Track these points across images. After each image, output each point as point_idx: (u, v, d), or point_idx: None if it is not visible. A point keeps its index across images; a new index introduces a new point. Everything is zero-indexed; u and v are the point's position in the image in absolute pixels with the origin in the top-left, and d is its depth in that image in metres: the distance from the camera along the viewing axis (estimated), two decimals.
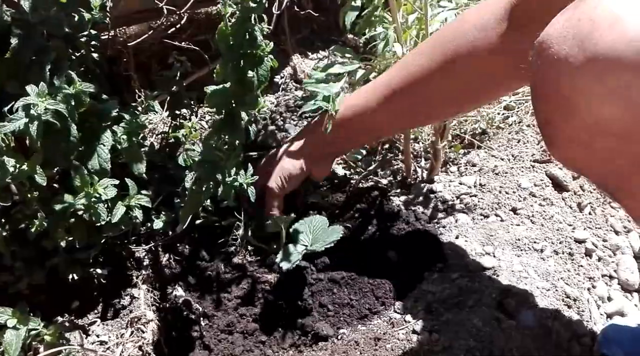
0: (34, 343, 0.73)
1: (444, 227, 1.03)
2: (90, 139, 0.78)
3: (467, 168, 1.15)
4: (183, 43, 1.13)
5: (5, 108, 0.72)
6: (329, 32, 1.48)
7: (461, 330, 0.83)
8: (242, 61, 0.74)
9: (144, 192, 0.82)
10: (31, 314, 0.73)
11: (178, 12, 1.09)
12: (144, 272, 0.89)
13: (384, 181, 1.15)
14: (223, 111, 0.80)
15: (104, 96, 0.86)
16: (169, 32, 1.19)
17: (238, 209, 0.95)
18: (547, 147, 0.60)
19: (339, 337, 0.88)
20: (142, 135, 1.04)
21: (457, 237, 1.00)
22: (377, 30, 0.95)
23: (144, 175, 0.83)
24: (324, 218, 0.95)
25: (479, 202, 1.05)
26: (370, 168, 1.15)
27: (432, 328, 0.86)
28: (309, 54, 1.42)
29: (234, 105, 0.78)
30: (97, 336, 0.80)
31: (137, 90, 1.00)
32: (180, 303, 0.90)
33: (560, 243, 0.98)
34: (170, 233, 0.93)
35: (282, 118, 1.25)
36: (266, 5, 0.71)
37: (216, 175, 0.80)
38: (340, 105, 0.92)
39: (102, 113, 0.80)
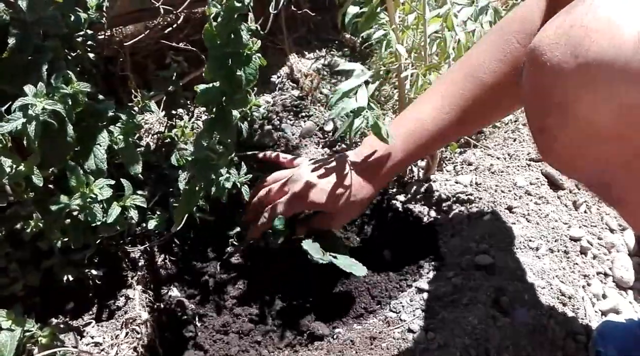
0: (28, 345, 0.73)
1: (440, 225, 1.03)
2: (87, 139, 0.78)
3: (463, 167, 1.15)
4: (180, 43, 1.13)
5: (3, 109, 0.72)
6: (326, 32, 1.48)
7: (457, 328, 0.84)
8: (229, 60, 0.74)
9: (139, 192, 0.82)
10: (25, 316, 0.73)
11: (174, 12, 1.08)
12: (139, 273, 0.89)
13: None
14: (214, 110, 0.79)
15: (100, 96, 0.86)
16: (166, 31, 1.18)
17: (234, 208, 0.95)
18: (542, 155, 0.60)
19: (335, 336, 0.88)
20: (137, 135, 1.04)
21: (452, 236, 1.00)
22: (375, 30, 0.95)
23: (139, 175, 0.83)
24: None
25: (475, 200, 1.05)
26: None
27: (427, 327, 0.86)
28: (306, 53, 1.42)
29: (224, 103, 0.78)
30: (92, 337, 0.80)
31: (133, 90, 0.99)
32: (175, 304, 0.90)
33: (555, 241, 0.98)
34: (166, 233, 0.93)
35: (278, 117, 1.25)
36: (250, 3, 0.71)
37: (209, 174, 0.80)
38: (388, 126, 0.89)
39: (99, 113, 0.80)
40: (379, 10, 0.93)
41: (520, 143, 1.18)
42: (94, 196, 0.74)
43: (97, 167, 0.77)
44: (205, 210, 0.94)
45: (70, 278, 0.82)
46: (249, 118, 0.90)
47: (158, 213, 0.90)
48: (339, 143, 1.20)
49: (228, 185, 0.82)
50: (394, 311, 0.90)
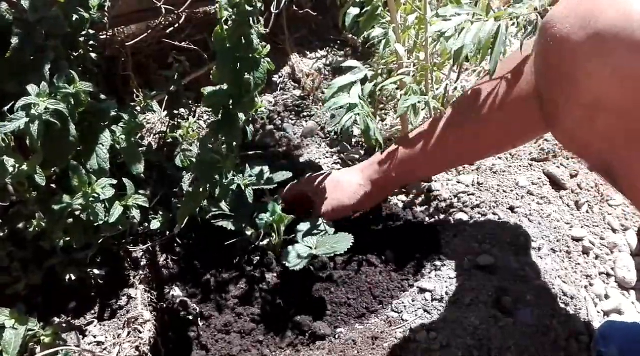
0: (30, 344, 0.73)
1: (442, 225, 1.03)
2: (89, 139, 0.78)
3: (465, 167, 1.15)
4: (182, 43, 1.13)
5: (5, 108, 0.72)
6: (328, 32, 1.48)
7: (459, 329, 0.84)
8: (238, 64, 0.74)
9: (141, 191, 0.82)
10: (28, 315, 0.73)
11: (176, 12, 1.09)
12: (141, 272, 0.89)
13: None
14: (220, 112, 0.80)
15: (103, 96, 0.86)
16: (168, 31, 1.19)
17: (235, 208, 0.95)
18: (550, 129, 0.61)
19: (337, 336, 0.88)
20: (140, 134, 1.04)
21: (455, 236, 1.00)
22: (376, 30, 0.95)
23: (141, 175, 0.83)
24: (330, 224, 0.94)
25: (476, 200, 1.05)
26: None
27: (429, 327, 0.86)
28: (308, 53, 1.42)
29: (231, 106, 0.78)
30: (94, 336, 0.80)
31: (135, 90, 0.99)
32: (178, 304, 0.90)
33: (557, 241, 0.98)
34: (168, 233, 0.93)
35: (280, 117, 1.25)
36: (262, 7, 0.71)
37: (214, 176, 0.80)
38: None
39: (101, 113, 0.80)
40: (380, 10, 0.93)
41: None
42: (96, 195, 0.74)
43: (99, 166, 0.77)
44: (206, 210, 0.95)
45: (73, 278, 0.83)
46: (251, 119, 0.90)
47: (161, 213, 0.90)
48: (340, 143, 1.20)
49: (233, 187, 0.83)
50: (396, 312, 0.90)
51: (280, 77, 1.34)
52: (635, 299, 0.97)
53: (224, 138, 0.79)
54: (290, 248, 0.89)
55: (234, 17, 0.70)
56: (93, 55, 0.88)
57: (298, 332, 0.89)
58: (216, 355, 0.87)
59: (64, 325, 0.81)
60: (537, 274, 0.92)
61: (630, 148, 0.52)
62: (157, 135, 1.11)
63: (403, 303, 0.91)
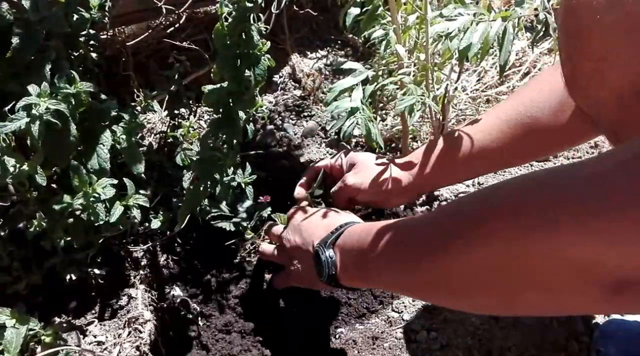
0: (31, 343, 0.73)
1: None
2: (90, 139, 0.78)
3: None
4: (182, 42, 1.13)
5: (6, 108, 0.72)
6: (328, 31, 1.47)
7: (459, 328, 0.84)
8: (238, 61, 0.74)
9: (141, 191, 0.82)
10: (29, 314, 0.73)
11: (177, 12, 1.08)
12: (141, 272, 0.89)
13: None
14: (220, 110, 0.80)
15: (103, 96, 0.86)
16: (168, 31, 1.18)
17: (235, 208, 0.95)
18: (567, 88, 0.61)
19: (337, 336, 0.88)
20: (140, 134, 1.04)
21: None
22: (377, 30, 0.94)
23: (142, 174, 0.83)
24: None
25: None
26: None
27: (430, 327, 0.86)
28: (308, 53, 1.42)
29: (231, 104, 0.78)
30: (95, 336, 0.80)
31: (135, 90, 0.99)
32: (178, 303, 0.90)
33: None
34: (168, 233, 0.93)
35: (280, 117, 1.25)
36: (262, 5, 0.71)
37: (214, 175, 0.80)
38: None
39: (102, 113, 0.80)
40: (380, 10, 0.92)
41: None
42: (96, 195, 0.74)
43: (100, 166, 0.77)
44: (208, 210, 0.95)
45: (73, 277, 0.83)
46: (251, 118, 0.90)
47: (161, 213, 0.90)
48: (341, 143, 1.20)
49: (233, 185, 0.83)
50: (396, 311, 0.90)
51: (280, 77, 1.34)
52: None
53: (224, 136, 0.79)
54: None
55: (234, 13, 0.70)
56: (94, 55, 0.88)
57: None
58: (216, 354, 0.87)
59: (65, 325, 0.81)
60: None
61: (638, 102, 0.52)
62: (157, 135, 1.11)
63: (403, 302, 0.91)
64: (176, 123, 1.03)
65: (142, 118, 0.86)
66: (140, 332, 0.81)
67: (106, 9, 0.87)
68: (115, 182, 0.77)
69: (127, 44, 1.08)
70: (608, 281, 0.44)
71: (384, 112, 1.26)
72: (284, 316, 0.93)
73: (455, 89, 1.11)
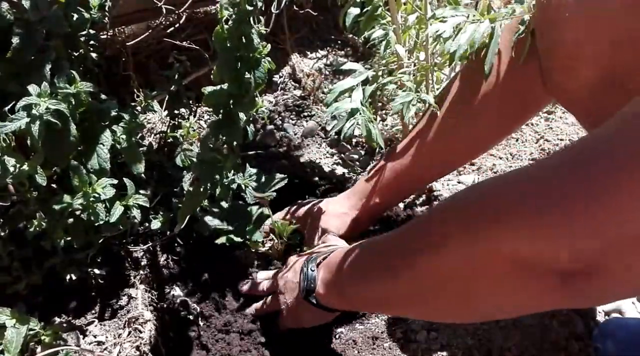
0: (31, 343, 0.73)
1: None
2: (90, 139, 0.78)
3: (465, 167, 1.15)
4: (182, 42, 1.13)
5: (6, 108, 0.72)
6: (328, 31, 1.48)
7: (459, 329, 0.84)
8: (238, 63, 0.74)
9: (141, 191, 0.82)
10: (29, 315, 0.73)
11: (177, 12, 1.09)
12: (141, 272, 0.89)
13: None
14: (221, 111, 0.80)
15: (103, 96, 0.86)
16: (168, 31, 1.19)
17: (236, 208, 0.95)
18: (544, 84, 0.63)
19: (337, 336, 0.88)
20: (140, 134, 1.04)
21: None
22: (377, 30, 0.94)
23: (142, 174, 0.83)
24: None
25: None
26: (369, 167, 1.15)
27: (430, 327, 0.86)
28: (308, 53, 1.42)
29: (231, 106, 0.78)
30: (95, 336, 0.80)
31: (135, 90, 0.99)
32: (178, 303, 0.90)
33: None
34: (168, 233, 0.93)
35: (280, 117, 1.25)
36: (262, 7, 0.71)
37: (214, 176, 0.80)
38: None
39: (102, 113, 0.80)
40: (380, 10, 0.92)
41: (523, 143, 1.18)
42: (96, 195, 0.74)
43: (100, 166, 0.77)
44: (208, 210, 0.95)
45: (73, 277, 0.83)
46: (251, 119, 0.90)
47: (161, 213, 0.90)
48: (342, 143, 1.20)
49: (233, 186, 0.83)
50: None
51: (280, 77, 1.34)
52: (636, 299, 0.97)
53: (224, 138, 0.79)
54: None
55: (234, 16, 0.70)
56: (94, 55, 0.88)
57: None
58: (216, 354, 0.87)
59: (65, 325, 0.81)
60: None
61: (608, 94, 0.54)
62: (157, 135, 1.11)
63: None
64: (176, 123, 1.03)
65: (142, 118, 0.86)
66: (140, 332, 0.81)
67: (106, 9, 0.87)
68: (115, 182, 0.77)
69: (127, 44, 1.08)
70: (551, 274, 0.46)
71: (384, 112, 1.26)
72: None
73: None
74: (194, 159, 0.89)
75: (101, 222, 0.76)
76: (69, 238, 0.79)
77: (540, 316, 0.86)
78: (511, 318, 0.85)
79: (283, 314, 0.86)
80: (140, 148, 0.88)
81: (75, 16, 0.80)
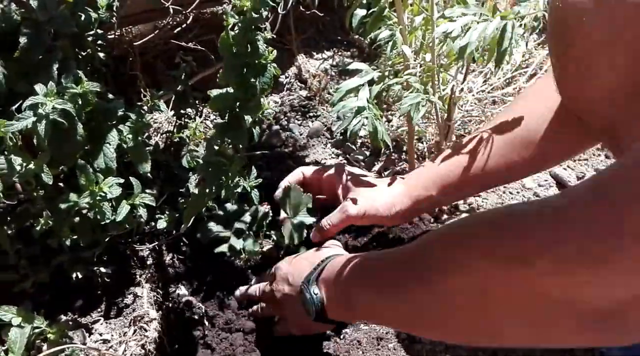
0: (37, 341, 0.74)
1: None
2: (96, 138, 0.78)
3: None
4: (189, 43, 1.14)
5: (13, 107, 0.72)
6: (335, 32, 1.48)
7: None
8: (244, 69, 0.74)
9: (148, 190, 0.83)
10: (35, 312, 0.74)
11: (184, 12, 1.09)
12: (147, 271, 0.90)
13: None
14: (227, 114, 0.80)
15: (110, 95, 0.86)
16: (175, 31, 1.19)
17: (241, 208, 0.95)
18: (558, 90, 0.61)
19: (342, 336, 0.88)
20: (147, 134, 1.05)
21: None
22: (383, 31, 0.94)
23: (148, 174, 0.84)
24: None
25: (482, 202, 1.05)
26: (375, 168, 1.15)
27: None
28: (314, 53, 1.42)
29: (237, 109, 0.78)
30: (100, 334, 0.81)
31: (142, 90, 1.00)
32: (183, 303, 0.91)
33: None
34: (174, 232, 0.94)
35: (286, 118, 1.25)
36: (267, 14, 0.71)
37: (220, 178, 0.81)
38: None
39: (108, 112, 0.80)
40: (386, 11, 0.92)
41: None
42: (103, 194, 0.75)
43: (106, 165, 0.77)
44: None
45: (79, 276, 0.83)
46: (257, 120, 0.90)
47: (167, 212, 0.90)
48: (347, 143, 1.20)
49: (238, 189, 0.83)
50: None
51: (286, 78, 1.34)
52: None
53: (230, 140, 0.80)
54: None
55: (240, 24, 0.70)
56: (101, 54, 0.88)
57: None
58: (221, 354, 0.87)
59: (71, 323, 0.81)
60: None
61: (629, 104, 0.53)
62: (164, 135, 1.11)
63: None
64: (182, 123, 1.03)
65: (148, 118, 0.87)
66: (146, 331, 0.81)
67: (114, 9, 0.87)
68: (122, 181, 0.77)
69: (135, 44, 1.09)
70: (584, 314, 0.44)
71: (389, 113, 1.26)
72: None
73: (461, 89, 1.11)
74: (200, 160, 0.89)
75: (107, 221, 0.76)
76: (75, 237, 0.79)
77: None
78: None
79: (286, 323, 0.85)
80: (147, 148, 0.88)
81: (83, 16, 0.81)
